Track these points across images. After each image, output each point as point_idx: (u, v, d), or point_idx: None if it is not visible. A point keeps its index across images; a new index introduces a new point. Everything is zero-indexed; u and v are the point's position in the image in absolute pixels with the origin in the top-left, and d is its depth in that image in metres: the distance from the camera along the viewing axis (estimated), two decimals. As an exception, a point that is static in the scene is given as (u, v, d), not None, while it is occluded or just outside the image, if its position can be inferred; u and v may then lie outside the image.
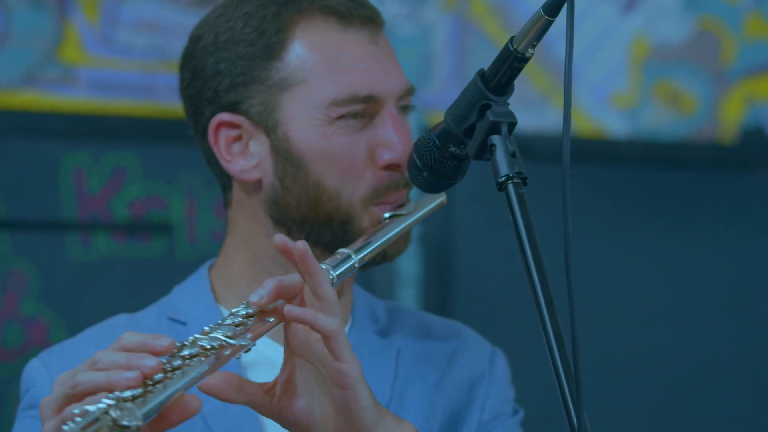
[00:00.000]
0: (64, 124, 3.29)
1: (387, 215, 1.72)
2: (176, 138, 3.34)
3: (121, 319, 1.80)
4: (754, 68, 3.62)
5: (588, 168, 3.53)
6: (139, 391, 1.39)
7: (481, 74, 1.53)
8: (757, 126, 3.63)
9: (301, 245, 1.48)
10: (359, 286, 1.84)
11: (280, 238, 1.49)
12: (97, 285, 3.29)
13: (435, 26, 3.51)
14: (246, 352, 1.47)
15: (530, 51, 1.50)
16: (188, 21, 3.36)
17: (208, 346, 1.44)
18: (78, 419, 1.36)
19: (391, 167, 1.71)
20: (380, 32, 1.75)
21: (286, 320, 1.50)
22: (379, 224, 1.71)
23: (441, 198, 1.77)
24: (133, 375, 1.38)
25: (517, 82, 1.54)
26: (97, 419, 1.36)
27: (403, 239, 1.75)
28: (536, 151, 3.41)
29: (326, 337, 1.47)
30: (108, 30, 3.33)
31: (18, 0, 3.28)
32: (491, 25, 3.54)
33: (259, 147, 1.74)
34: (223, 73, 1.73)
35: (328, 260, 1.61)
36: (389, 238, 1.69)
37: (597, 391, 3.40)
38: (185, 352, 1.44)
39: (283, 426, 1.51)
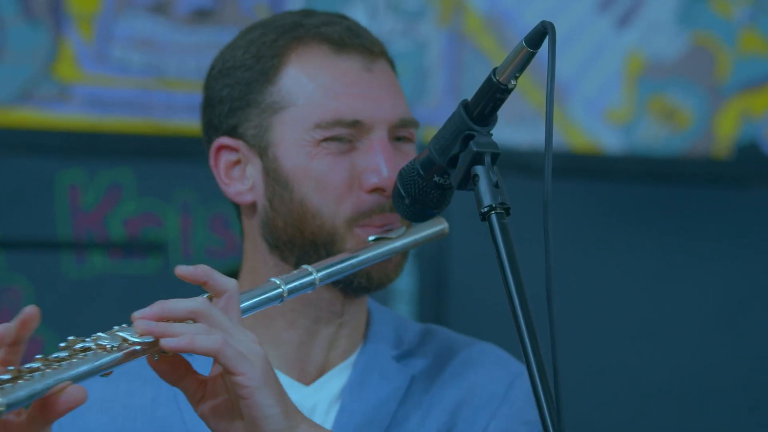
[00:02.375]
0: (58, 140, 3.30)
1: (372, 238, 1.73)
2: (171, 155, 3.35)
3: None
4: (748, 83, 3.63)
5: (582, 183, 3.53)
6: (8, 377, 1.39)
7: (465, 105, 1.54)
8: (752, 141, 3.63)
9: (181, 270, 1.48)
10: (385, 308, 1.85)
11: (179, 270, 1.50)
12: (93, 302, 3.30)
13: (430, 42, 3.52)
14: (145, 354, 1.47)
15: (513, 82, 1.51)
16: (183, 38, 3.37)
17: (108, 346, 1.44)
18: None
19: (376, 191, 1.73)
20: (378, 61, 1.77)
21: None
22: (360, 246, 1.72)
23: (441, 226, 1.77)
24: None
25: (511, 98, 1.55)
26: None
27: (391, 265, 1.75)
28: (531, 166, 3.42)
29: (213, 356, 1.47)
30: (103, 47, 3.34)
31: (13, 17, 3.29)
32: (486, 41, 3.55)
33: (253, 170, 1.77)
34: (224, 99, 1.77)
35: (286, 275, 1.62)
36: (363, 260, 1.69)
37: (592, 404, 3.40)
38: (79, 346, 1.44)
39: (207, 425, 1.52)
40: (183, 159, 3.33)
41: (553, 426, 1.40)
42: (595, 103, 3.60)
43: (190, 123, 3.33)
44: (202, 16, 3.37)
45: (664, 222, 3.59)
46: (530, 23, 3.81)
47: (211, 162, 1.79)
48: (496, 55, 3.55)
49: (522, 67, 1.49)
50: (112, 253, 3.30)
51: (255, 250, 1.78)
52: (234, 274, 1.76)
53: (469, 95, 3.84)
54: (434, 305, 3.47)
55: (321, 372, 1.77)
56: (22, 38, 3.29)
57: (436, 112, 3.51)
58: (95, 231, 3.32)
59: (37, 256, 3.24)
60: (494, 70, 1.51)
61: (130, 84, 3.33)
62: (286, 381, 1.74)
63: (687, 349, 3.55)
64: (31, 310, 1.44)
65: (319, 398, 1.76)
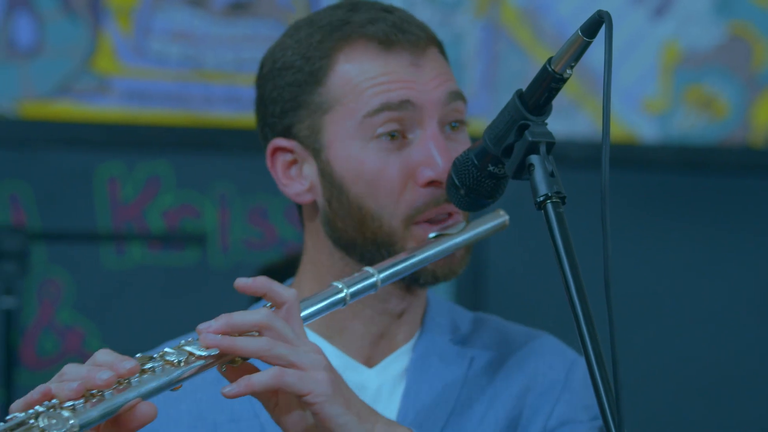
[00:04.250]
0: (98, 134, 3.32)
1: (432, 235, 1.73)
2: (209, 147, 3.36)
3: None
4: (785, 72, 3.62)
5: (619, 173, 3.52)
6: (80, 401, 1.41)
7: (519, 94, 1.54)
8: (789, 130, 3.62)
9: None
10: (443, 299, 1.86)
11: (238, 283, 1.52)
12: (132, 293, 3.31)
13: (466, 33, 3.52)
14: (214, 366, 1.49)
15: (568, 71, 1.50)
16: (220, 31, 3.38)
17: (175, 360, 1.47)
18: (1, 423, 1.38)
19: (432, 184, 1.72)
20: (426, 54, 1.76)
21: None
22: (422, 244, 1.72)
23: (501, 219, 1.76)
24: (73, 385, 1.42)
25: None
26: (22, 423, 1.38)
27: (456, 259, 1.75)
28: (567, 156, 3.42)
29: (275, 389, 1.49)
30: (141, 40, 3.35)
31: (52, 11, 3.30)
32: (522, 32, 3.55)
33: (310, 170, 1.77)
34: (276, 100, 1.77)
35: (347, 278, 1.63)
36: (424, 258, 1.69)
37: (634, 396, 3.40)
38: (148, 365, 1.46)
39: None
40: (221, 151, 3.34)
41: (612, 415, 1.40)
42: (632, 93, 3.59)
43: (228, 115, 3.34)
44: (239, 8, 3.38)
45: (700, 211, 3.58)
46: (566, 15, 3.81)
47: (268, 163, 1.79)
48: (531, 47, 3.55)
49: (577, 56, 1.49)
50: (151, 245, 3.31)
51: (319, 245, 1.78)
52: (276, 265, 1.77)
53: (505, 86, 3.86)
54: (472, 295, 3.47)
55: (380, 353, 1.78)
56: (61, 33, 3.30)
57: (472, 104, 3.49)
58: (134, 223, 3.34)
59: (77, 248, 3.26)
60: (549, 60, 1.51)
61: (168, 77, 3.35)
62: (347, 362, 1.76)
63: (725, 337, 3.54)
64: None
65: (384, 379, 1.77)
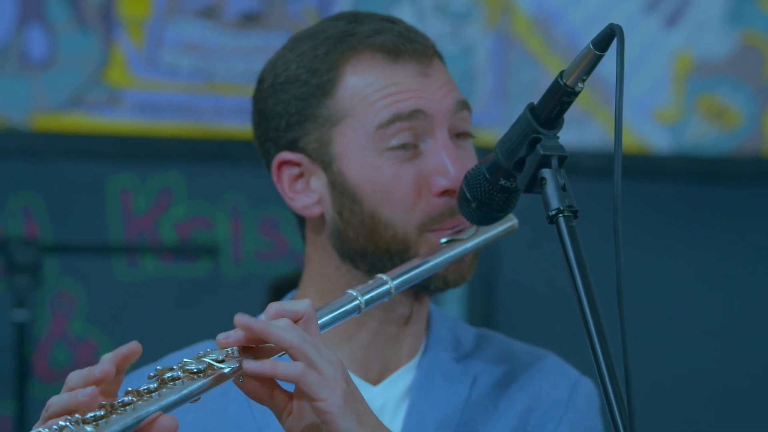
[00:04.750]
0: (110, 145, 3.32)
1: (443, 240, 1.73)
2: (220, 158, 3.37)
3: (207, 345, 1.82)
4: (798, 81, 3.61)
5: (631, 183, 3.52)
6: (101, 413, 1.41)
7: (531, 108, 1.54)
8: (802, 140, 3.61)
9: (242, 320, 1.48)
10: (442, 312, 1.86)
11: (238, 319, 1.50)
12: (144, 305, 3.32)
13: (477, 44, 3.52)
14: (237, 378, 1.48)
15: (580, 85, 1.50)
16: (232, 43, 3.38)
17: (195, 369, 1.46)
18: None
19: (446, 193, 1.72)
20: (433, 64, 1.76)
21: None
22: (434, 250, 1.72)
23: (510, 222, 1.76)
24: (88, 391, 1.41)
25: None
26: None
27: (465, 265, 1.74)
28: (578, 166, 3.42)
29: (294, 382, 1.48)
30: (153, 52, 3.36)
31: (64, 23, 3.31)
32: (533, 42, 3.55)
33: (318, 183, 1.76)
34: (281, 114, 1.76)
35: (361, 286, 1.63)
36: (436, 264, 1.70)
37: (646, 407, 3.39)
38: (168, 375, 1.46)
39: None
40: (232, 162, 3.35)
41: (625, 429, 1.39)
42: (644, 103, 3.59)
43: (239, 126, 3.34)
44: (250, 20, 3.39)
45: (713, 222, 3.57)
46: (578, 24, 3.81)
47: (274, 178, 1.78)
48: (543, 57, 3.55)
49: (589, 69, 1.49)
50: (163, 257, 3.32)
51: (324, 259, 1.78)
52: (288, 277, 1.77)
53: (517, 97, 3.86)
54: (484, 307, 3.47)
55: (384, 369, 1.78)
56: (73, 45, 3.31)
57: (483, 114, 3.51)
58: (146, 235, 3.34)
59: (90, 260, 3.26)
60: (561, 73, 1.51)
61: (180, 88, 3.35)
62: (353, 379, 1.76)
63: (738, 347, 3.53)
64: (134, 347, 1.46)
65: (388, 397, 1.76)
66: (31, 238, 3.19)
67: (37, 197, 3.27)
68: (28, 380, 2.95)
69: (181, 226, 3.36)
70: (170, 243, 3.32)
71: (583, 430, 1.77)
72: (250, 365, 1.47)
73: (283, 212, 3.38)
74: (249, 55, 3.37)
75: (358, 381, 1.76)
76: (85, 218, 3.29)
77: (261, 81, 1.80)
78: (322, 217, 1.77)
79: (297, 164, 1.76)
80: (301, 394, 1.50)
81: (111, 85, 3.33)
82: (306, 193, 1.76)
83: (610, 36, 1.47)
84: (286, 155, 1.76)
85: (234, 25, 3.38)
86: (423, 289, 1.75)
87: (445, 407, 1.73)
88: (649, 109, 3.59)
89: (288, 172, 1.77)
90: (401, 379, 1.78)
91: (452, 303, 3.45)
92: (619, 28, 1.45)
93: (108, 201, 3.31)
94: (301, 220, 1.82)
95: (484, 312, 3.45)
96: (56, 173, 3.27)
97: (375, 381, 1.78)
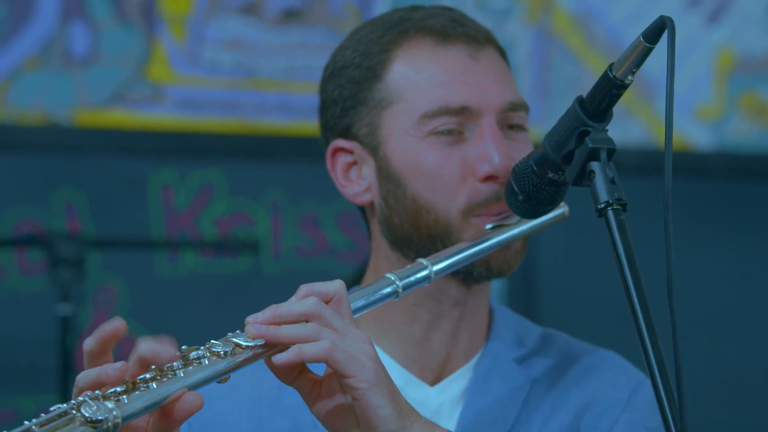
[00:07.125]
0: (151, 141, 3.33)
1: (489, 226, 1.71)
2: (261, 154, 3.37)
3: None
4: (841, 79, 3.58)
5: (673, 181, 3.51)
6: (121, 388, 1.39)
7: (580, 101, 1.53)
8: None
9: (252, 330, 1.47)
10: (509, 309, 1.84)
11: (249, 328, 1.49)
12: (185, 300, 3.33)
13: (518, 40, 3.51)
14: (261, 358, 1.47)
15: (629, 78, 1.50)
16: (273, 39, 3.39)
17: (221, 352, 1.45)
18: (42, 415, 1.37)
19: (490, 179, 1.71)
20: (484, 49, 1.75)
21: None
22: (479, 235, 1.70)
23: (561, 210, 1.73)
24: (118, 365, 1.40)
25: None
26: (65, 413, 1.36)
27: (511, 252, 1.73)
28: (621, 164, 3.39)
29: (323, 362, 1.47)
30: (194, 48, 3.37)
31: (107, 20, 3.33)
32: (574, 39, 3.54)
33: (368, 170, 1.77)
34: (337, 100, 1.77)
35: (400, 270, 1.61)
36: (479, 250, 1.67)
37: (697, 405, 3.37)
38: (193, 355, 1.44)
39: (322, 424, 1.52)
40: (273, 159, 3.35)
41: (676, 428, 1.38)
42: (685, 100, 3.57)
43: (280, 123, 3.35)
44: (291, 16, 3.39)
45: (755, 219, 3.55)
46: (619, 21, 3.80)
47: (328, 165, 1.78)
48: (584, 53, 3.54)
49: (639, 62, 1.49)
50: (204, 253, 3.33)
51: (378, 248, 1.78)
52: (357, 278, 1.75)
53: (558, 93, 3.84)
54: (523, 302, 3.46)
55: (442, 368, 1.76)
56: (116, 41, 3.32)
57: (524, 111, 3.50)
58: (187, 230, 3.35)
59: (131, 256, 3.28)
60: (610, 66, 1.50)
61: (221, 84, 3.36)
62: (409, 378, 1.74)
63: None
64: (118, 324, 1.46)
65: (444, 398, 1.75)
66: (74, 233, 3.20)
67: (79, 193, 3.28)
68: (71, 374, 2.96)
69: (221, 221, 3.37)
70: (211, 239, 3.33)
71: (643, 430, 1.75)
72: (279, 359, 1.46)
73: (322, 209, 3.38)
74: (290, 52, 3.37)
75: (413, 380, 1.74)
76: (127, 214, 3.30)
77: (324, 71, 1.81)
78: (372, 205, 1.77)
79: (350, 152, 1.76)
80: (330, 374, 1.49)
81: (153, 81, 3.35)
82: (357, 181, 1.76)
83: (660, 28, 1.46)
84: (341, 143, 1.76)
85: (275, 22, 3.39)
86: (467, 276, 1.72)
87: (500, 408, 1.71)
88: (690, 107, 3.58)
89: (342, 160, 1.77)
90: (459, 381, 1.76)
91: (492, 297, 3.44)
92: (670, 20, 1.45)
93: (149, 197, 3.32)
94: (363, 214, 1.81)
95: (523, 308, 3.44)
96: (98, 169, 3.28)
97: (432, 381, 1.76)
